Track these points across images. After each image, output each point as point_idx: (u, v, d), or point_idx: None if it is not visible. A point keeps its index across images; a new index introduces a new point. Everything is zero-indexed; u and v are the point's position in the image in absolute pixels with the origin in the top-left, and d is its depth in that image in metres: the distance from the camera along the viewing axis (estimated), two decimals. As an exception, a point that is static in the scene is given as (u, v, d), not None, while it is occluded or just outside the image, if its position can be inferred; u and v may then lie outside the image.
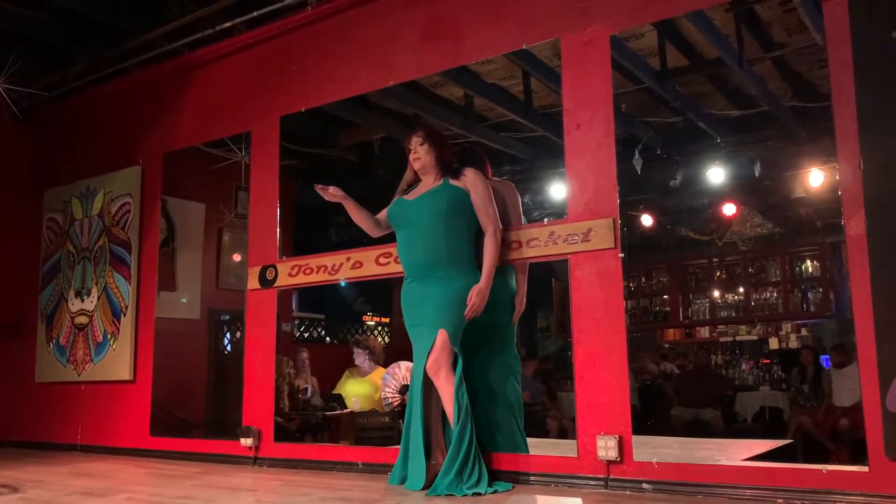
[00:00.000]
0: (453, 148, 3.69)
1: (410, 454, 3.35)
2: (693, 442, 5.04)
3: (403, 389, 5.02)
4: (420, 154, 3.53)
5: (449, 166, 3.53)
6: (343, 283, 4.16)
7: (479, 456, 3.24)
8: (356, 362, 5.49)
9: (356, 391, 5.33)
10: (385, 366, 5.42)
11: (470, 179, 3.47)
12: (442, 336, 3.29)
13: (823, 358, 6.49)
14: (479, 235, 3.48)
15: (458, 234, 3.43)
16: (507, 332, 3.67)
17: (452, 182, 3.47)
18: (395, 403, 5.04)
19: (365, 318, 7.68)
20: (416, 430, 3.33)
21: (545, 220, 3.62)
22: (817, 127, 4.86)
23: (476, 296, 3.32)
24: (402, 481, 3.35)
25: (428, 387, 3.35)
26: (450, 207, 3.42)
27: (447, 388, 3.27)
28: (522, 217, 3.69)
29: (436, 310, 3.34)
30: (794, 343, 7.79)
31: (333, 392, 5.38)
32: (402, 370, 5.08)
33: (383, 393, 5.14)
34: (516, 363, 3.69)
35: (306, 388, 5.24)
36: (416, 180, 3.61)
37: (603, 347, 3.31)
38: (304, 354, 5.53)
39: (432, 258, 3.40)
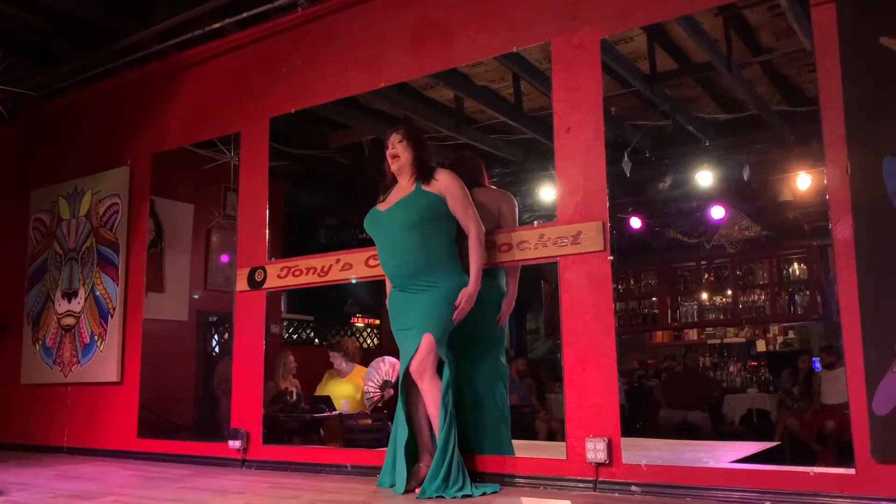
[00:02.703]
0: (431, 149, 3.63)
1: (398, 457, 3.34)
2: (681, 444, 5.06)
3: (384, 385, 5.03)
4: (398, 151, 3.46)
5: (424, 167, 3.46)
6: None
7: (461, 461, 3.23)
8: (334, 365, 5.50)
9: (339, 392, 5.31)
10: (366, 364, 5.41)
11: (444, 184, 3.40)
12: (427, 339, 3.26)
13: (814, 360, 6.53)
14: (460, 235, 3.44)
15: (435, 240, 3.37)
16: (498, 336, 3.67)
17: (425, 188, 3.39)
18: (376, 399, 5.03)
19: (353, 319, 7.65)
20: (403, 434, 3.31)
21: (535, 222, 3.62)
22: (805, 131, 4.88)
23: (465, 300, 3.30)
24: (392, 484, 3.34)
25: (413, 390, 3.33)
26: (423, 217, 3.34)
27: (432, 392, 3.25)
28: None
29: (422, 314, 3.31)
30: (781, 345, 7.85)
31: (316, 395, 5.36)
32: (386, 365, 5.08)
33: (365, 387, 5.13)
34: (505, 369, 3.69)
35: (292, 392, 5.22)
36: (393, 182, 3.55)
37: (592, 350, 3.31)
38: (291, 357, 5.51)
39: (412, 267, 3.35)
